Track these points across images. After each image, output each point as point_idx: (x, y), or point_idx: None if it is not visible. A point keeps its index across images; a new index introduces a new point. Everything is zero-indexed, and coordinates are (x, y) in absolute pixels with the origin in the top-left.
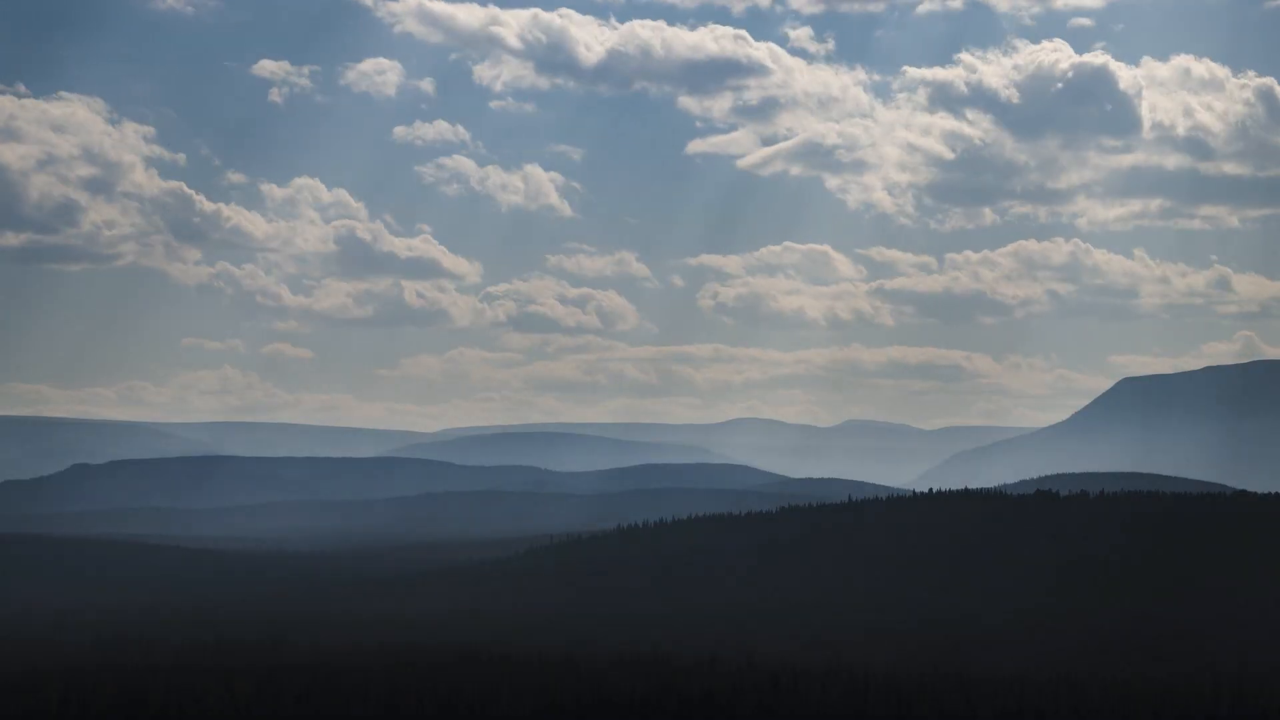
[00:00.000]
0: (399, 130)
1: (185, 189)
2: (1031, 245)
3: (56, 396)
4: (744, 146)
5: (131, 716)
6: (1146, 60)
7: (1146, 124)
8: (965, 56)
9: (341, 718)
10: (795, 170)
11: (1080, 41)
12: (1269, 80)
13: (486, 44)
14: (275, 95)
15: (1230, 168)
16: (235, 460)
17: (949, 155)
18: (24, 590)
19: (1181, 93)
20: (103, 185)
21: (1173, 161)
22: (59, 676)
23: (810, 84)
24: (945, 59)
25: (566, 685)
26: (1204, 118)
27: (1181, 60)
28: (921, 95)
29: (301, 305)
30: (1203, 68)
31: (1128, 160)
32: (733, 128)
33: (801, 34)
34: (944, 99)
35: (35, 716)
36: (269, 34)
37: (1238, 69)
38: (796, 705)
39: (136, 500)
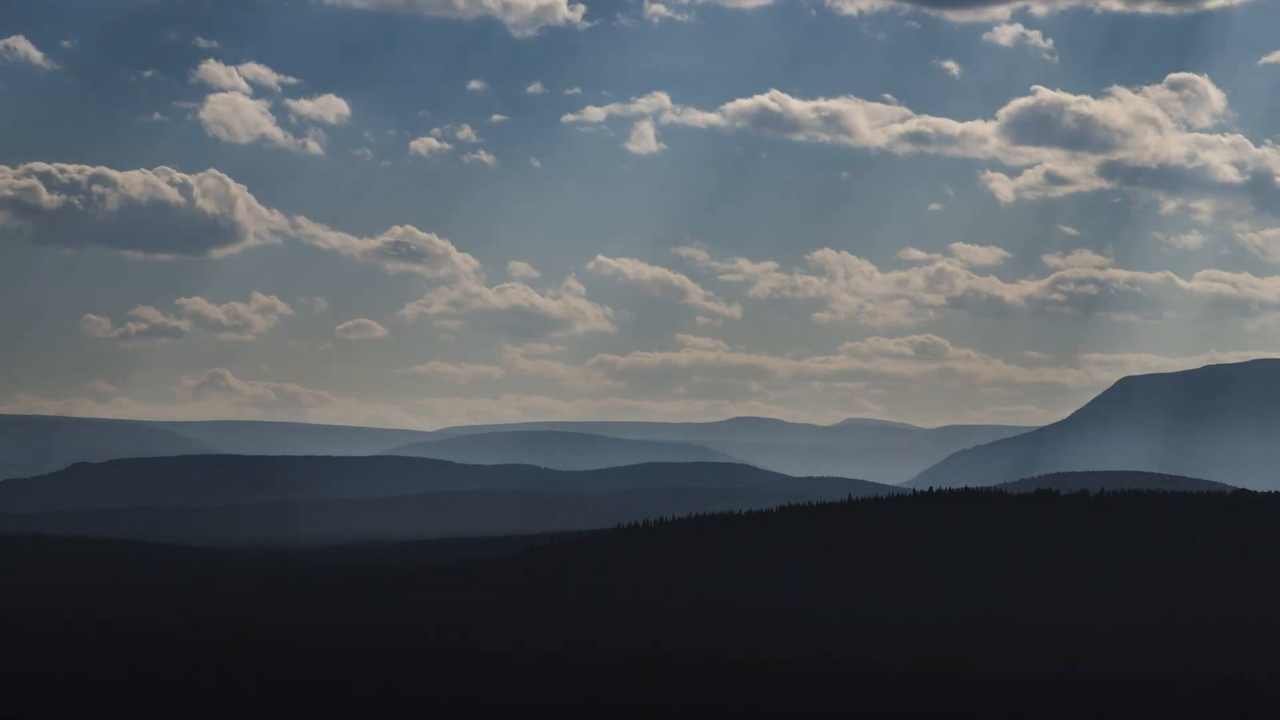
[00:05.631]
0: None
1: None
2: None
3: (56, 396)
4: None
5: (132, 715)
6: None
7: None
8: None
9: (341, 717)
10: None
11: None
12: None
13: None
14: None
15: None
16: (235, 460)
17: None
18: (23, 590)
19: None
20: None
21: None
22: (59, 676)
23: None
24: None
25: (567, 685)
26: None
27: None
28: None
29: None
30: None
31: None
32: None
33: None
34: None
35: (36, 716)
36: None
37: None
38: (796, 705)
39: (136, 500)
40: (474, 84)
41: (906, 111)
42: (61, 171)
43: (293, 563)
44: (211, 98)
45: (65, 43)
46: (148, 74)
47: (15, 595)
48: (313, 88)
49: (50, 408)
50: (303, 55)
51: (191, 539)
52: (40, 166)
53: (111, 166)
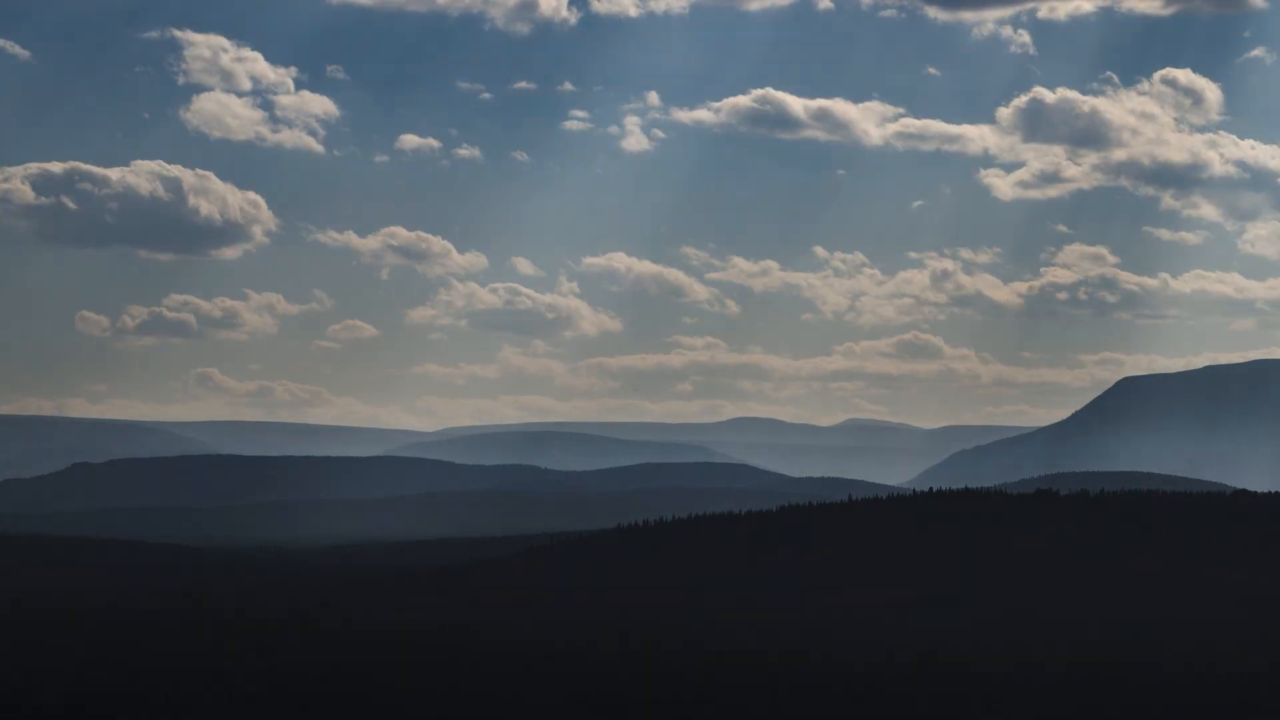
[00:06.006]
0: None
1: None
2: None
3: (52, 395)
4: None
5: (131, 715)
6: None
7: None
8: None
9: (341, 717)
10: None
11: None
12: None
13: None
14: None
15: None
16: (235, 460)
17: None
18: (23, 590)
19: None
20: None
21: None
22: (59, 676)
23: None
24: None
25: (567, 685)
26: None
27: None
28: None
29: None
30: None
31: None
32: None
33: None
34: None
35: (36, 716)
36: None
37: None
38: (796, 704)
39: (136, 500)
40: (463, 83)
41: (903, 109)
42: (53, 170)
43: (293, 563)
44: (199, 95)
45: (53, 40)
46: (137, 69)
47: (15, 595)
48: (300, 84)
49: (46, 407)
50: (290, 51)
51: (191, 539)
52: (33, 165)
53: (102, 164)
